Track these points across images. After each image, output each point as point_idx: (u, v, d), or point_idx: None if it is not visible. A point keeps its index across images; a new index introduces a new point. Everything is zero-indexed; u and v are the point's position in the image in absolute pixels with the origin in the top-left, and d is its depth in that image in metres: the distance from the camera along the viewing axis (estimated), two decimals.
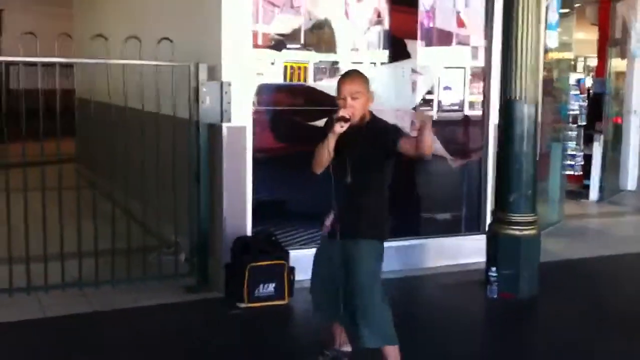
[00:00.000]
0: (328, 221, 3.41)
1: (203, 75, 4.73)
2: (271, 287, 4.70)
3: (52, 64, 4.73)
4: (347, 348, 3.69)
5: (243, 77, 4.84)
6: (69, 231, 4.74)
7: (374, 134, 3.30)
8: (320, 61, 5.41)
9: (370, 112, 3.38)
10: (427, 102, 5.84)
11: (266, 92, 5.18)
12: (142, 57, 4.72)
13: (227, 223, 4.89)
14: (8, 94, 4.72)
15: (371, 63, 5.62)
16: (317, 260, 3.54)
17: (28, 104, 4.54)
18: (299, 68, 5.32)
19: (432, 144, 3.19)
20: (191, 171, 4.93)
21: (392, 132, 3.31)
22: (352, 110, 3.23)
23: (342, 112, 3.21)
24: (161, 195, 4.94)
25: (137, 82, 4.78)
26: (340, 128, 3.19)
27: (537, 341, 4.42)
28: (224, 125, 4.78)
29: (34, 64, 4.60)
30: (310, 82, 5.37)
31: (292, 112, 5.33)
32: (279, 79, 5.26)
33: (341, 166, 3.28)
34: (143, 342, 4.12)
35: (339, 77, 3.43)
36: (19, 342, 4.08)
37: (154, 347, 4.05)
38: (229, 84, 4.74)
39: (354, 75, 3.39)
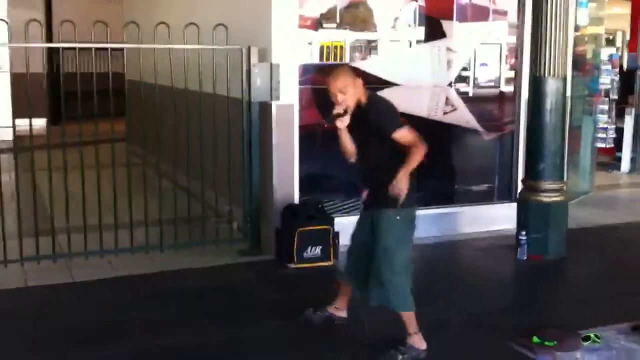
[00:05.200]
0: (364, 193, 3.83)
1: (254, 57, 5.18)
2: (318, 249, 5.16)
3: (105, 49, 5.10)
4: (343, 314, 4.03)
5: (290, 59, 5.27)
6: (135, 202, 5.26)
7: (373, 115, 3.57)
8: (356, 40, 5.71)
9: (367, 94, 3.66)
10: (462, 79, 6.19)
11: (309, 72, 5.58)
12: (191, 42, 5.13)
13: (277, 192, 5.35)
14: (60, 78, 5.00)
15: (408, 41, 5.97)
16: (355, 228, 3.92)
17: (79, 87, 4.78)
18: (335, 47, 5.63)
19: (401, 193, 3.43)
20: (244, 146, 5.38)
21: (388, 118, 3.56)
22: (345, 103, 3.55)
23: (336, 110, 3.56)
24: (217, 169, 5.41)
25: (186, 65, 5.19)
26: (341, 123, 3.57)
27: (563, 295, 4.85)
28: (274, 103, 5.24)
29: (87, 49, 4.91)
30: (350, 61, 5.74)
31: None
32: (316, 59, 5.52)
33: (358, 148, 3.69)
34: (204, 295, 4.64)
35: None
36: (95, 297, 4.62)
37: (214, 299, 4.55)
38: (278, 66, 5.18)
39: (337, 72, 3.65)
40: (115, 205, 5.18)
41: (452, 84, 6.13)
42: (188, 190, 5.59)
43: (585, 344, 3.76)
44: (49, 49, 8.45)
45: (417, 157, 3.49)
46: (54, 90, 10.72)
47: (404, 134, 3.53)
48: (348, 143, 3.66)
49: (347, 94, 3.56)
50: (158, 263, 5.17)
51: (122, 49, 6.38)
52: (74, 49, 4.87)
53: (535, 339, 3.75)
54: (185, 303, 4.48)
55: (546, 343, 3.71)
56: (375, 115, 3.59)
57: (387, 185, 3.51)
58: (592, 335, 3.82)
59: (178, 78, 5.20)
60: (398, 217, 3.62)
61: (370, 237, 3.72)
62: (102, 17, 4.91)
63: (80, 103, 4.83)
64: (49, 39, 8.90)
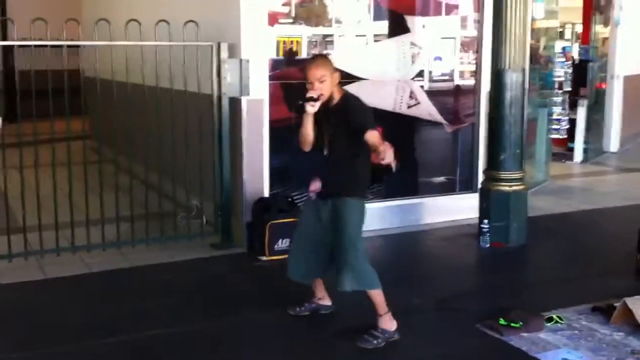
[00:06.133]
0: (313, 186, 3.90)
1: (224, 53, 5.25)
2: (289, 242, 5.25)
3: (71, 46, 5.10)
4: (327, 302, 4.15)
5: (259, 54, 5.36)
6: (106, 199, 5.28)
7: (346, 112, 3.63)
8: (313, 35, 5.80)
9: (342, 90, 3.76)
10: (418, 73, 6.34)
11: (279, 67, 5.67)
12: (160, 39, 5.20)
13: (247, 186, 5.45)
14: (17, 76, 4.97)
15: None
16: (302, 223, 4.00)
17: (38, 85, 4.77)
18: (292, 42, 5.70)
19: (393, 162, 3.39)
20: (215, 141, 5.45)
21: (361, 119, 3.60)
22: (320, 92, 3.59)
23: (310, 93, 3.58)
24: (187, 164, 5.47)
25: (156, 62, 5.24)
26: (311, 108, 3.58)
27: (526, 280, 5.08)
28: (244, 98, 5.32)
29: (59, 46, 4.93)
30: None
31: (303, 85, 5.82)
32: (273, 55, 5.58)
33: (322, 140, 3.75)
34: (180, 288, 4.71)
35: (306, 63, 3.80)
36: (71, 293, 4.65)
37: (190, 292, 4.63)
38: (248, 61, 5.26)
39: (318, 61, 3.74)
40: (86, 202, 5.19)
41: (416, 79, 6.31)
42: (159, 186, 5.62)
43: (549, 324, 3.97)
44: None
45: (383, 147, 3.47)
46: (10, 88, 10.59)
47: (375, 135, 3.56)
48: (310, 131, 3.68)
49: (324, 84, 3.62)
50: (130, 259, 5.21)
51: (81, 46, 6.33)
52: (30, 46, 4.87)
53: (501, 320, 3.93)
54: (163, 297, 4.54)
55: (512, 324, 3.89)
56: (352, 112, 3.65)
57: (349, 176, 3.71)
58: (555, 317, 4.03)
59: (148, 75, 5.24)
60: (360, 208, 3.77)
61: (328, 225, 3.79)
62: (61, 13, 4.90)
63: (50, 100, 4.84)
64: (4, 36, 8.80)
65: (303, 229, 3.99)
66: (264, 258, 5.22)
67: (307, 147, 3.78)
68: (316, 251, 3.89)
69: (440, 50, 6.46)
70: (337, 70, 3.74)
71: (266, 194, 5.54)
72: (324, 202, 3.84)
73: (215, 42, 5.26)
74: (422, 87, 6.33)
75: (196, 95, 5.39)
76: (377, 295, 3.77)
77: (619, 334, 3.88)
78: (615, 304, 4.07)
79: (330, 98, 3.69)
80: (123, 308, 4.33)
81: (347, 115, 3.65)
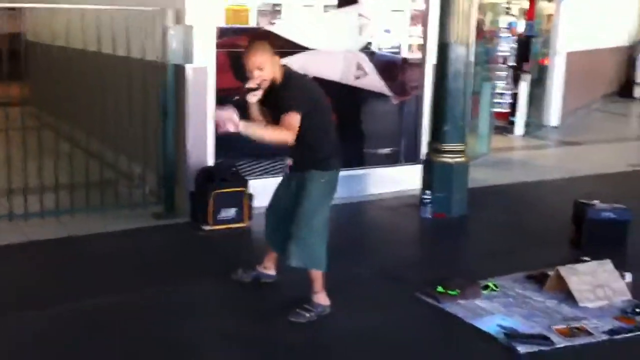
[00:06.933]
0: (288, 161, 3.94)
1: (169, 20, 5.15)
2: (232, 211, 5.26)
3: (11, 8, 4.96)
4: (272, 272, 4.19)
5: (206, 21, 5.27)
6: (45, 167, 5.17)
7: (283, 95, 3.59)
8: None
9: (284, 72, 3.65)
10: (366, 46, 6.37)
11: (226, 35, 5.60)
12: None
13: (191, 155, 5.39)
14: None
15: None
16: (275, 193, 4.04)
17: None
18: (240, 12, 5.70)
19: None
20: (159, 109, 5.36)
21: (286, 101, 3.54)
22: (260, 79, 3.54)
23: (249, 84, 3.55)
24: (130, 132, 5.39)
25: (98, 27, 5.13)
26: (253, 97, 3.58)
27: (465, 249, 5.22)
28: (188, 66, 5.24)
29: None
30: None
31: None
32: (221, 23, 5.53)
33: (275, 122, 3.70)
34: (122, 258, 4.65)
35: (244, 51, 3.68)
36: (8, 262, 4.53)
37: (133, 261, 4.59)
38: (192, 28, 5.18)
39: (255, 47, 3.61)
40: (25, 169, 5.07)
41: (363, 50, 6.32)
42: (101, 154, 5.54)
43: (485, 292, 4.09)
44: None
45: (274, 134, 3.54)
46: None
47: (286, 120, 3.52)
48: (257, 118, 3.68)
49: (264, 71, 3.56)
50: (70, 228, 5.11)
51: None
52: None
53: (439, 288, 4.03)
54: (103, 267, 4.48)
55: (449, 292, 4.00)
56: (282, 92, 3.60)
57: (308, 153, 3.70)
58: (490, 285, 4.16)
59: (91, 40, 5.11)
60: (323, 180, 3.76)
61: (293, 199, 3.82)
62: None
63: None
64: None
65: (273, 201, 4.03)
66: (207, 227, 5.20)
67: None
68: (284, 223, 3.87)
69: (389, 22, 6.48)
70: (275, 53, 3.66)
71: (210, 163, 5.50)
72: (294, 177, 3.87)
73: (160, 8, 5.16)
74: (369, 58, 6.35)
75: (140, 62, 5.29)
76: (318, 275, 3.81)
77: (551, 301, 4.03)
78: (549, 272, 4.22)
79: (274, 81, 3.63)
80: (63, 278, 4.26)
81: (281, 98, 3.59)
